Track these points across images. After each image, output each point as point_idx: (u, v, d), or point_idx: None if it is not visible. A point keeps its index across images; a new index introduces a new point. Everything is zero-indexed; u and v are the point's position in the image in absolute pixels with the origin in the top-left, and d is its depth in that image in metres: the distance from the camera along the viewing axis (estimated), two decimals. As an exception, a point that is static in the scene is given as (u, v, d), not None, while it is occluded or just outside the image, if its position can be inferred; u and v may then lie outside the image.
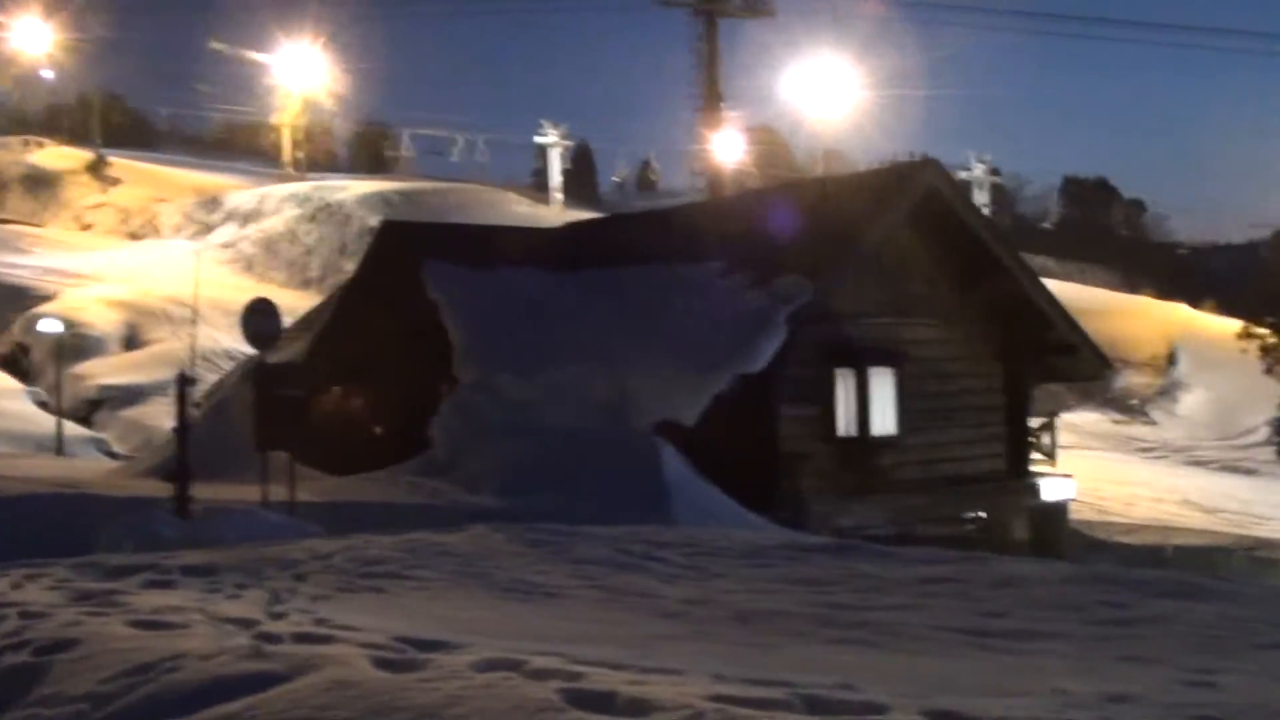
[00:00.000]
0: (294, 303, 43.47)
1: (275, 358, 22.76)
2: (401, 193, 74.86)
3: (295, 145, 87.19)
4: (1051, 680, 6.74)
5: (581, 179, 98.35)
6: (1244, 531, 34.88)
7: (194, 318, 30.10)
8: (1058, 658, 7.96)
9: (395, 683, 6.13)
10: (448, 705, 5.66)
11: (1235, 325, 38.62)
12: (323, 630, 7.70)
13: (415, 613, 8.92)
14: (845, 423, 22.57)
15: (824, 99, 75.63)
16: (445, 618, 8.57)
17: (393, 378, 24.89)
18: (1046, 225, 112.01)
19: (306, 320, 30.19)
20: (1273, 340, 36.61)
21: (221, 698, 6.29)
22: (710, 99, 57.34)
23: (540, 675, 6.02)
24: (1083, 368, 27.43)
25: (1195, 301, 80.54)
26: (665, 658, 6.80)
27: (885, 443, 23.05)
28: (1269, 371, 37.02)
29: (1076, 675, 7.14)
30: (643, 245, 25.30)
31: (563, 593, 10.14)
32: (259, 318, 19.00)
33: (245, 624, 8.07)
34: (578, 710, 5.43)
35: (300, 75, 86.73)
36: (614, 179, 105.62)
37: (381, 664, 6.54)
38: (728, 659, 6.98)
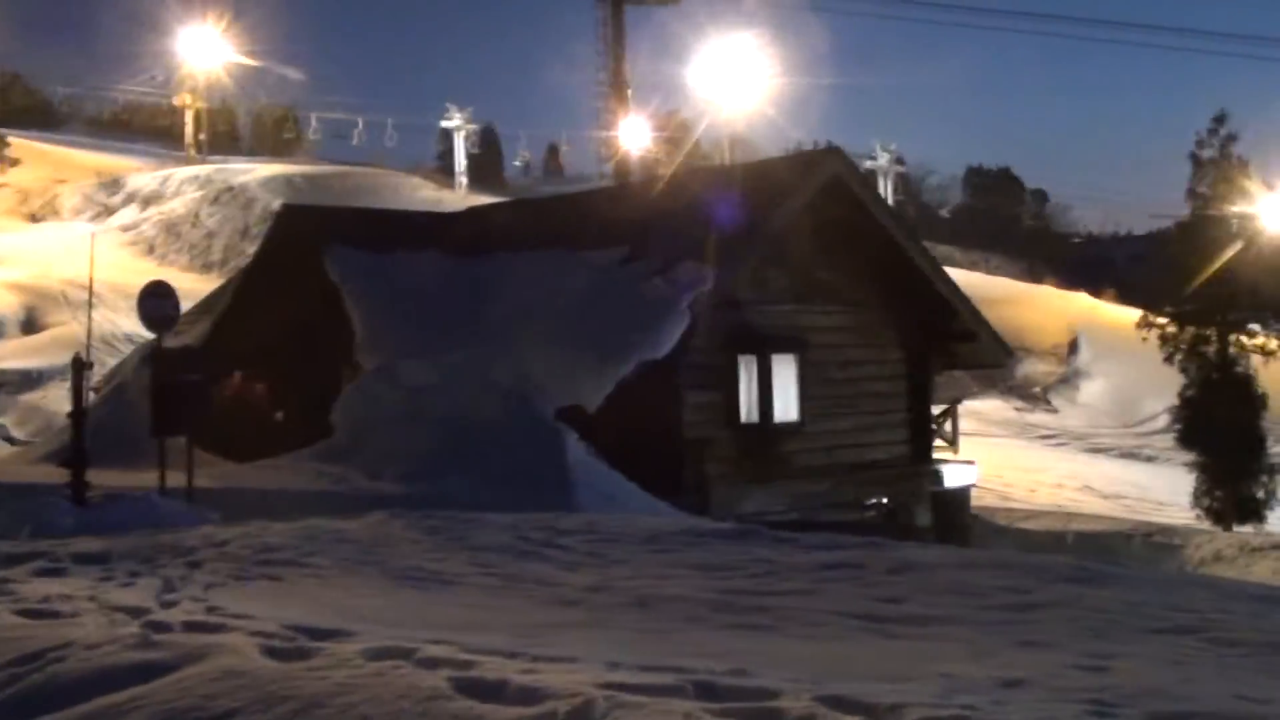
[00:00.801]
0: (196, 286, 43.03)
1: (173, 342, 22.49)
2: (305, 176, 74.30)
3: (197, 127, 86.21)
4: (945, 665, 6.76)
5: (488, 163, 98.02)
6: (1143, 517, 35.30)
7: (91, 301, 29.64)
8: (953, 643, 7.99)
9: (284, 671, 6.06)
10: (336, 694, 5.60)
11: (1136, 314, 39.01)
12: (214, 619, 7.62)
13: (309, 600, 8.84)
14: (748, 409, 22.60)
15: (731, 87, 75.80)
16: (339, 605, 8.49)
17: (294, 363, 24.68)
18: (945, 214, 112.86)
19: (206, 304, 29.83)
20: (1172, 329, 36.98)
21: (108, 688, 6.21)
22: (617, 85, 57.34)
23: (430, 664, 5.98)
24: (984, 355, 27.66)
25: (1097, 291, 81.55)
26: (560, 645, 6.76)
27: (788, 429, 23.12)
28: (1168, 360, 37.39)
29: (970, 660, 7.16)
30: (547, 230, 25.20)
31: (460, 580, 10.07)
32: (155, 301, 18.70)
33: (135, 613, 7.97)
34: (466, 699, 5.39)
35: (202, 56, 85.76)
36: (515, 163, 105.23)
37: (271, 653, 6.47)
38: (623, 646, 6.95)
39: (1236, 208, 38.08)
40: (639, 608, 8.92)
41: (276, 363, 25.04)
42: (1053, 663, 7.27)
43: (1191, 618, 9.97)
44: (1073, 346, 67.06)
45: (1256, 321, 36.95)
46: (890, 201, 74.71)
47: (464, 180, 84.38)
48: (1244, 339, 36.55)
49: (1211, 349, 36.48)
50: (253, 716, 5.53)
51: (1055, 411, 60.83)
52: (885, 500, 24.77)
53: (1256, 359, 36.60)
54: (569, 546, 11.61)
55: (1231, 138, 37.42)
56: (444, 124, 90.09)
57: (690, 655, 6.50)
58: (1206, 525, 33.72)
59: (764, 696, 5.33)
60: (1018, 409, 59.32)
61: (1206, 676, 7.47)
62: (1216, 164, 37.47)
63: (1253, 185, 38.65)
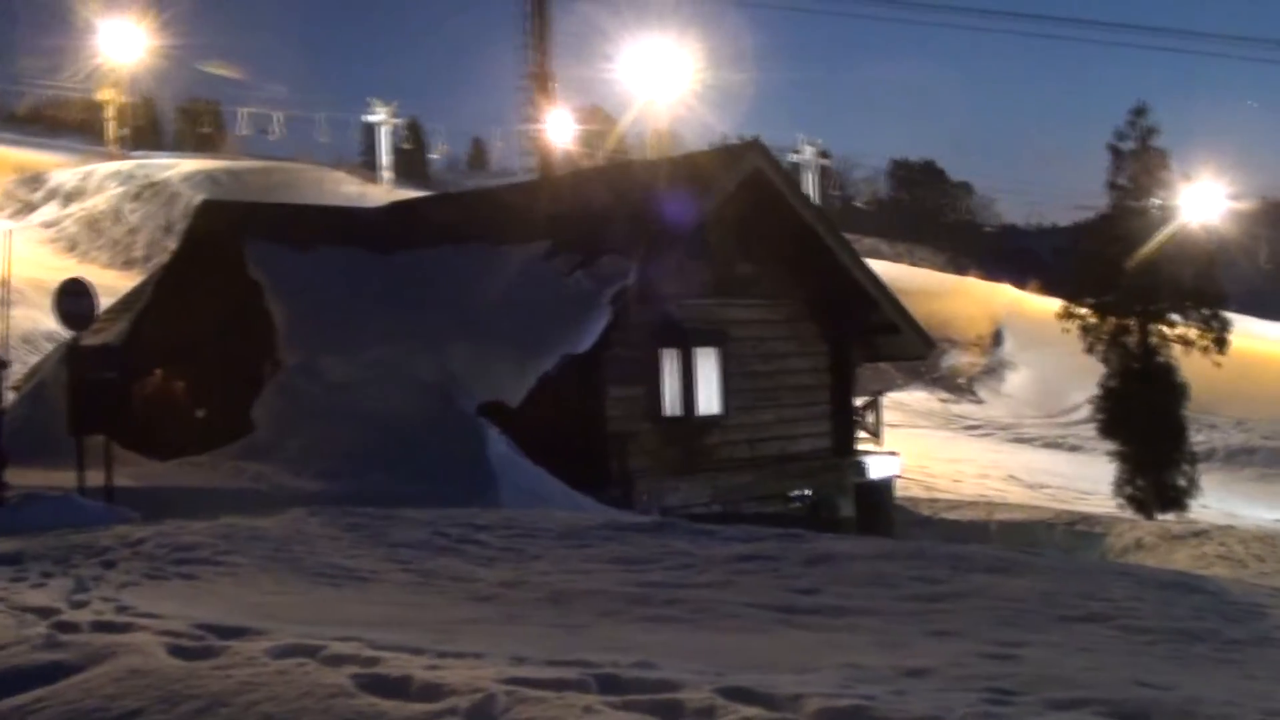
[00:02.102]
0: (118, 283, 42.61)
1: (92, 340, 22.29)
2: (229, 171, 73.72)
3: (119, 122, 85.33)
4: (852, 655, 6.81)
5: (412, 158, 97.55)
6: (1066, 506, 35.54)
7: (9, 299, 29.30)
8: (863, 633, 8.06)
9: (189, 670, 6.04)
10: (239, 692, 5.60)
11: (1059, 305, 39.26)
12: (123, 619, 7.58)
13: (222, 599, 8.81)
14: (671, 402, 22.63)
15: (655, 80, 75.88)
16: (252, 604, 8.47)
17: (215, 360, 24.48)
18: (864, 205, 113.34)
19: (126, 301, 29.52)
20: (1093, 320, 37.25)
21: (14, 690, 6.18)
22: (541, 79, 57.16)
23: (336, 661, 5.97)
24: (907, 347, 27.80)
25: (1021, 282, 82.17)
26: (469, 641, 6.77)
27: (711, 422, 23.18)
28: (1089, 350, 37.65)
29: (878, 650, 7.22)
30: (469, 225, 25.13)
31: (376, 577, 10.07)
32: (71, 298, 18.49)
33: (45, 613, 7.93)
34: (369, 695, 5.40)
35: (124, 50, 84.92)
36: (432, 155, 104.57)
37: (177, 652, 6.45)
38: (533, 641, 6.97)
39: (1156, 199, 38.37)
40: (553, 603, 8.94)
41: (198, 360, 24.84)
42: (960, 652, 7.34)
43: (1104, 606, 10.10)
44: (997, 338, 67.58)
45: (1176, 312, 37.17)
46: (815, 195, 74.97)
47: (388, 175, 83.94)
48: (1164, 329, 36.84)
49: (1132, 339, 36.75)
50: (156, 716, 5.51)
51: (980, 402, 61.26)
52: (809, 492, 24.86)
53: (1177, 349, 36.91)
54: (487, 542, 11.62)
55: (1151, 130, 37.68)
56: (367, 118, 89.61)
57: (599, 649, 6.52)
58: (1129, 514, 33.99)
59: (666, 689, 5.36)
60: (943, 400, 59.71)
61: (1112, 664, 7.57)
62: (1136, 156, 37.72)
63: (1172, 177, 38.98)
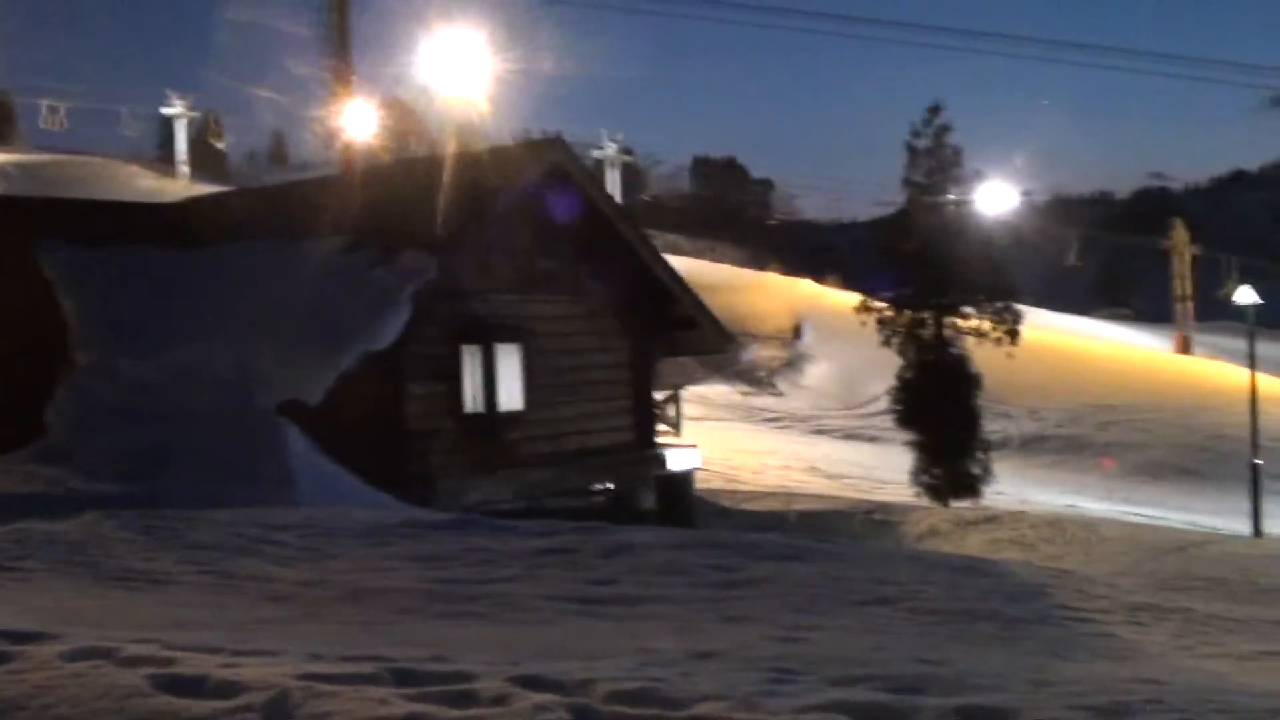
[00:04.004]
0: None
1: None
2: (20, 165, 71.96)
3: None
4: (646, 642, 6.98)
5: (211, 151, 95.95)
6: (865, 495, 36.27)
7: None
8: (658, 620, 8.24)
9: (-20, 676, 5.97)
10: (33, 696, 5.56)
11: (858, 299, 39.97)
12: (-89, 628, 7.44)
13: (15, 604, 8.67)
14: (473, 399, 22.61)
15: (459, 74, 75.45)
16: (45, 609, 8.36)
17: (7, 361, 23.91)
18: (663, 200, 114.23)
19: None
20: (890, 314, 38.05)
21: None
22: (341, 71, 56.44)
23: (131, 662, 5.95)
24: (707, 342, 28.12)
25: (820, 277, 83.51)
26: (266, 640, 6.78)
27: (512, 418, 23.21)
28: (886, 343, 38.45)
29: (671, 636, 7.41)
30: (269, 220, 24.83)
31: (173, 579, 9.99)
32: None
33: None
34: (166, 695, 5.40)
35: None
36: (219, 145, 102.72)
37: (-33, 658, 6.36)
38: (331, 638, 7.01)
39: (950, 195, 39.26)
40: (352, 601, 8.98)
41: (-13, 361, 24.25)
42: (751, 635, 7.56)
43: (893, 589, 10.45)
44: (797, 331, 68.53)
45: (970, 305, 38.10)
46: (618, 191, 75.31)
47: (186, 169, 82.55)
48: (958, 322, 37.71)
49: (928, 332, 37.60)
50: (-55, 723, 5.45)
51: (780, 395, 62.04)
52: (611, 485, 25.05)
53: (970, 340, 37.79)
54: (286, 542, 11.58)
55: (945, 128, 38.56)
56: (164, 111, 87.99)
57: (396, 645, 6.60)
58: (925, 502, 34.76)
59: (461, 680, 5.47)
60: (744, 393, 60.33)
61: (896, 643, 7.86)
62: (931, 153, 38.58)
63: (966, 173, 39.87)
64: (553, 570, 10.31)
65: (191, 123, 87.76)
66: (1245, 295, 43.08)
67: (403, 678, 5.54)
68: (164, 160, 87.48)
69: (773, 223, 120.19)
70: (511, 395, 23.26)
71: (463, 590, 9.39)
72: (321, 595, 9.21)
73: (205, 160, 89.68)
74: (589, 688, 5.30)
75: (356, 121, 52.24)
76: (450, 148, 36.49)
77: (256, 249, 23.63)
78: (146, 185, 69.96)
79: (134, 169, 78.02)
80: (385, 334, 20.54)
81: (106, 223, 26.35)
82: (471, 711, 5.04)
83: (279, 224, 24.25)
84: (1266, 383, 48.55)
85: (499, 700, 5.15)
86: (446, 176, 23.91)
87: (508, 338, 23.14)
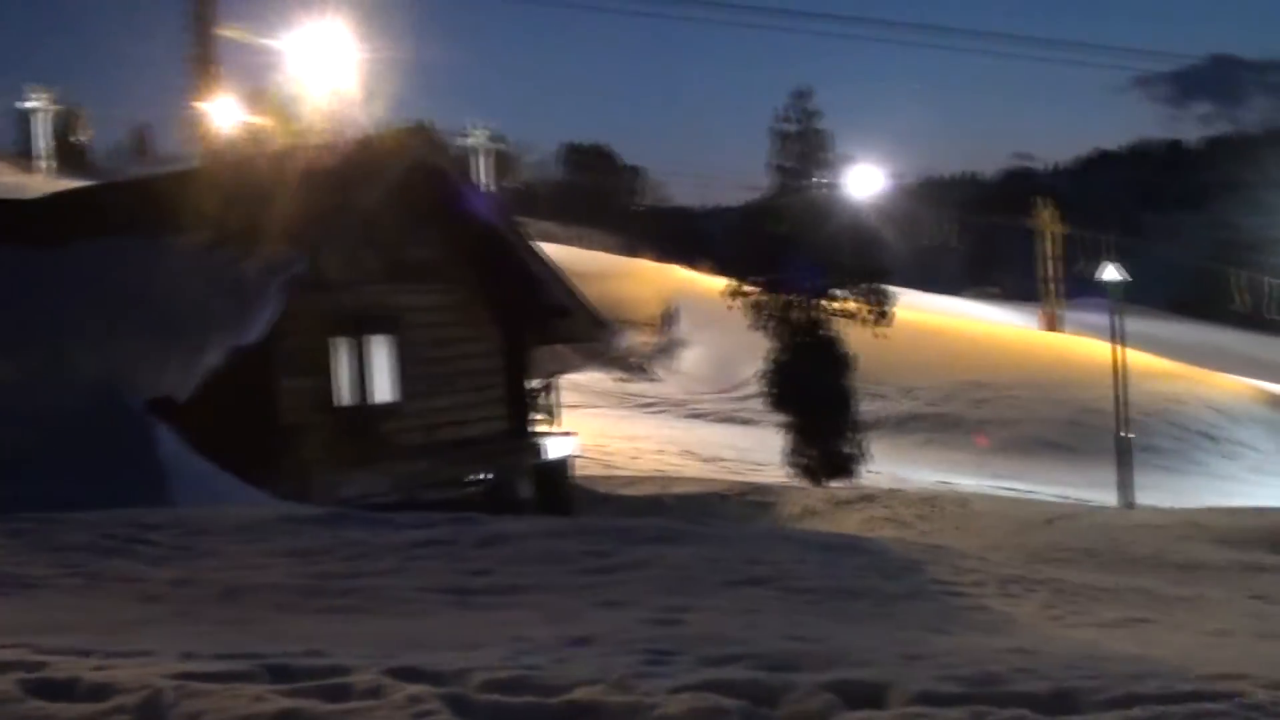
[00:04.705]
0: None
1: None
2: None
3: None
4: (521, 630, 7.01)
5: (73, 146, 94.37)
6: (741, 478, 36.51)
7: None
8: (534, 609, 8.26)
9: None
10: (-103, 706, 5.47)
11: (728, 284, 40.13)
12: None
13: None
14: (345, 392, 22.49)
15: (325, 65, 74.84)
16: (-90, 617, 8.21)
17: None
18: (529, 187, 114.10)
19: None
20: (760, 297, 38.28)
21: None
22: (205, 62, 55.84)
23: (1, 668, 5.88)
24: (580, 330, 28.14)
25: (692, 262, 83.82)
26: (139, 641, 6.72)
27: (386, 410, 23.10)
28: (758, 326, 38.68)
29: (547, 623, 7.44)
30: (133, 215, 24.45)
31: (42, 582, 9.82)
32: None
33: None
34: (37, 700, 5.35)
35: None
36: (73, 139, 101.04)
37: None
38: (204, 637, 6.96)
39: (819, 179, 39.55)
40: (226, 599, 8.90)
41: None
42: (627, 619, 7.61)
43: (767, 569, 10.55)
44: (670, 317, 68.74)
45: (840, 287, 38.40)
46: (487, 180, 75.11)
47: (45, 164, 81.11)
48: (829, 304, 38.00)
49: (798, 314, 37.84)
50: None
51: (655, 380, 62.25)
52: (487, 475, 25.02)
53: (841, 322, 38.10)
54: (157, 541, 11.43)
55: (813, 113, 38.79)
56: (23, 105, 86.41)
57: (271, 641, 6.57)
58: (800, 483, 35.03)
59: (336, 674, 5.47)
60: (619, 380, 60.45)
61: (771, 622, 7.94)
62: (799, 138, 38.82)
63: (834, 158, 40.17)
64: (429, 562, 10.29)
65: (55, 116, 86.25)
66: (1110, 273, 43.83)
67: (277, 674, 5.53)
68: (23, 155, 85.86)
69: (640, 209, 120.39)
70: (385, 387, 23.16)
71: (338, 584, 9.35)
72: (195, 594, 9.12)
73: (67, 155, 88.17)
74: (464, 677, 5.33)
75: (221, 113, 51.65)
76: (317, 139, 36.23)
77: (122, 245, 23.28)
78: (5, 181, 68.58)
79: (-10, 165, 76.55)
80: (254, 328, 20.31)
81: (-37, 220, 25.85)
82: (346, 705, 5.04)
83: (143, 219, 23.89)
84: (1133, 358, 49.50)
85: (374, 693, 5.16)
86: (313, 168, 23.71)
87: (379, 329, 23.03)
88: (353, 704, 5.07)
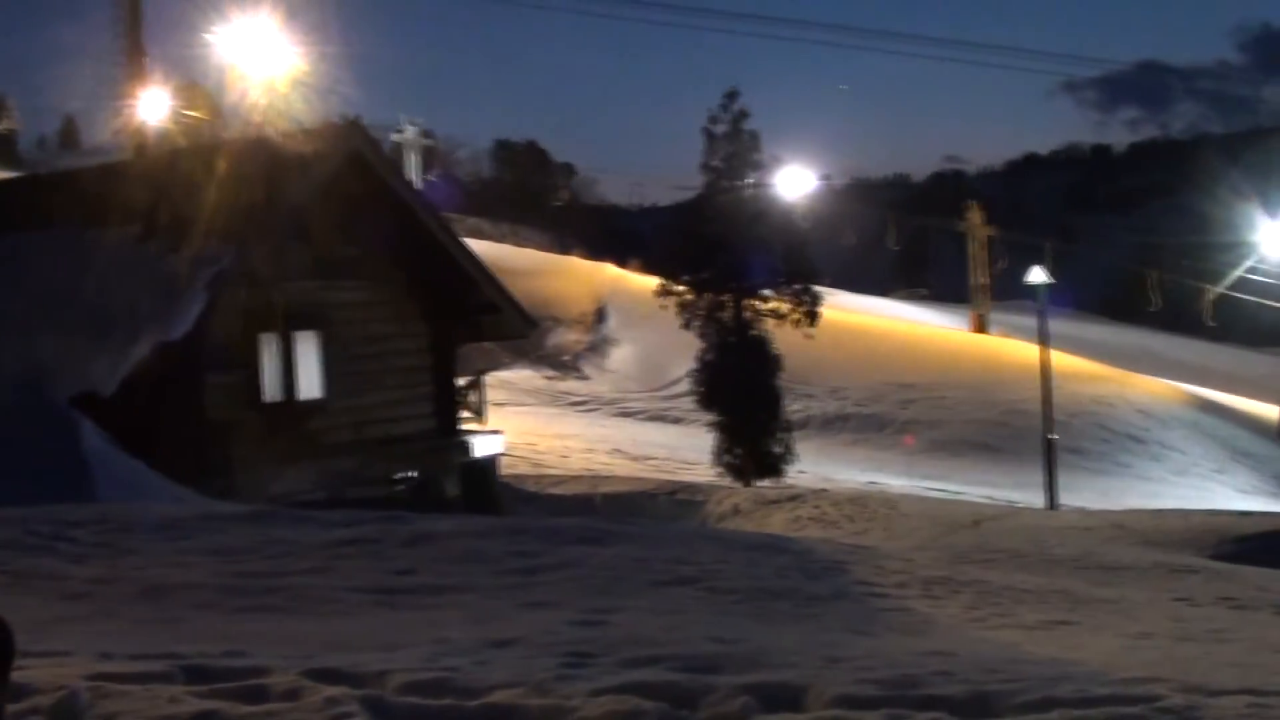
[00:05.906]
0: None
1: None
2: None
3: None
4: (444, 631, 7.00)
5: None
6: (670, 477, 36.49)
7: None
8: (458, 610, 8.25)
9: None
10: None
11: (658, 283, 40.17)
12: None
13: None
14: (272, 388, 22.33)
15: (257, 58, 74.27)
16: None
17: None
18: (467, 184, 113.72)
19: None
20: (690, 297, 38.35)
21: None
22: (133, 53, 55.19)
23: (-88, 670, 5.81)
24: (509, 327, 28.08)
25: (623, 261, 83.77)
26: (58, 640, 6.66)
27: (313, 406, 22.96)
28: (687, 326, 38.76)
29: (471, 624, 7.43)
30: (59, 208, 24.19)
31: (-40, 581, 9.73)
32: None
33: None
34: (-50, 700, 5.29)
35: None
36: (5, 129, 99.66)
37: None
38: (124, 636, 6.92)
39: (749, 180, 39.65)
40: (147, 597, 8.84)
41: None
42: (551, 621, 7.61)
43: (693, 569, 10.57)
44: (600, 315, 68.66)
45: (769, 287, 38.50)
46: (418, 176, 74.68)
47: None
48: (758, 304, 38.10)
49: (727, 314, 37.94)
50: None
51: (585, 379, 62.11)
52: (415, 474, 24.90)
53: (770, 322, 38.20)
54: (80, 539, 11.34)
55: (743, 113, 38.88)
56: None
57: (190, 641, 6.53)
58: (728, 482, 35.10)
59: (254, 675, 5.45)
60: (549, 378, 60.30)
61: (694, 623, 7.96)
62: (729, 138, 38.90)
63: (764, 158, 40.27)
64: (353, 561, 10.25)
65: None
66: (1036, 275, 44.16)
67: (194, 674, 5.50)
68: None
69: (571, 206, 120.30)
70: (312, 384, 23.02)
71: (261, 583, 9.30)
72: (116, 592, 9.05)
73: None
74: (383, 679, 5.32)
75: (150, 105, 51.18)
76: (246, 133, 35.99)
77: (46, 238, 23.05)
78: (-72, 173, 67.73)
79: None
80: (180, 323, 20.15)
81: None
82: (263, 707, 5.03)
83: (69, 212, 23.64)
84: (1061, 360, 49.89)
85: (291, 695, 5.14)
86: (242, 162, 23.53)
87: (306, 325, 22.89)
88: (269, 706, 5.06)
